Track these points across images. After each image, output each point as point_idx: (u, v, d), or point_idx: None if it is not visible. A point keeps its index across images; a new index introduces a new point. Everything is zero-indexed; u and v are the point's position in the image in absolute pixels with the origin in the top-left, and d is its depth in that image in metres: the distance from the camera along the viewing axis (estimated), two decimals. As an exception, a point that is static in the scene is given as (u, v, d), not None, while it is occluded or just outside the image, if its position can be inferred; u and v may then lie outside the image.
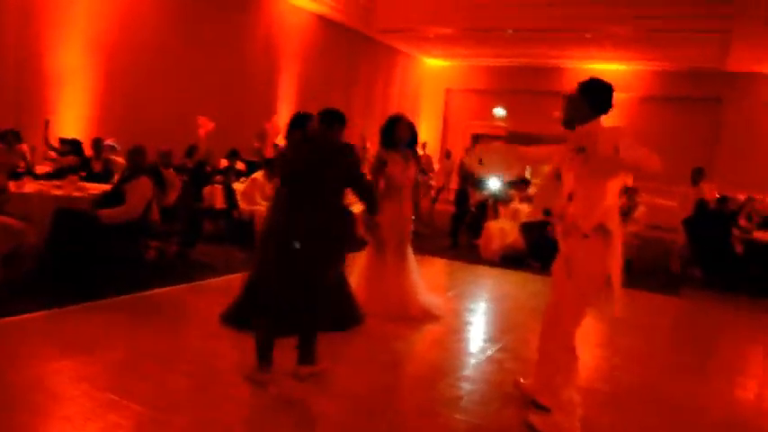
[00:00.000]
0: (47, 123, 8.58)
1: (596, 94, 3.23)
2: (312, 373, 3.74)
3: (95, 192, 6.11)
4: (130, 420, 3.07)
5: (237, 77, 12.14)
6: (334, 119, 3.85)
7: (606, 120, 3.27)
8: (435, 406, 3.58)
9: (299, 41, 13.75)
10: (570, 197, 3.25)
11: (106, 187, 6.14)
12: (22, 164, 7.72)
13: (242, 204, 7.98)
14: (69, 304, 4.74)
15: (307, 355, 3.75)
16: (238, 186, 8.31)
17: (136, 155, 5.82)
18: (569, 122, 3.29)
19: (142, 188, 5.57)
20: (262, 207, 7.38)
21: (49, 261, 5.25)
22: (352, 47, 15.43)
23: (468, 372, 4.21)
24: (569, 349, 3.26)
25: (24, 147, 8.12)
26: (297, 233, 3.60)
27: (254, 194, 7.98)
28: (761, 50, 12.92)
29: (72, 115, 9.40)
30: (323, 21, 14.27)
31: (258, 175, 8.10)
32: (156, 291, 5.47)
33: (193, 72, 11.09)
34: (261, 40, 12.77)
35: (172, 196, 6.79)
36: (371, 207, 4.09)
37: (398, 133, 5.13)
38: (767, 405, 4.30)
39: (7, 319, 4.33)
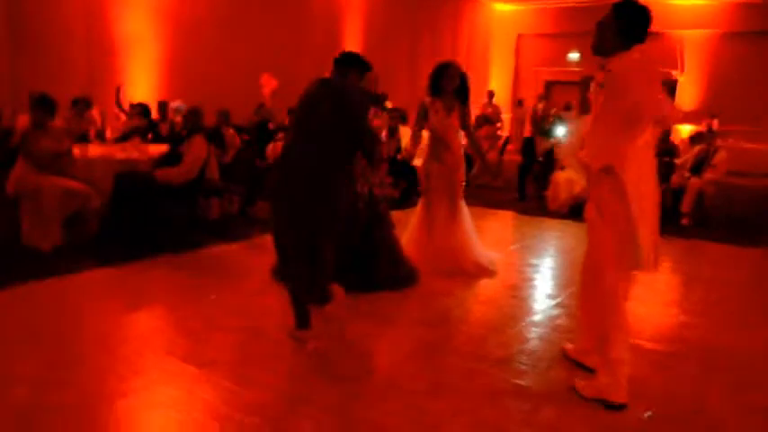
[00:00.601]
0: (118, 89, 8.83)
1: (629, 18, 2.90)
2: (296, 337, 3.59)
3: (156, 154, 6.26)
4: (171, 375, 3.15)
5: (300, 33, 12.06)
6: (345, 64, 3.56)
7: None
8: (481, 365, 3.46)
9: (361, -8, 13.49)
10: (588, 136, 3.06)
11: (165, 148, 6.27)
12: (93, 130, 8.01)
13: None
14: (128, 263, 4.92)
15: (298, 316, 3.60)
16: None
17: (192, 116, 5.90)
18: (597, 49, 3.00)
19: (197, 148, 5.65)
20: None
21: (111, 223, 5.45)
22: (416, -5, 14.99)
23: (519, 330, 4.06)
24: (612, 295, 3.00)
25: (95, 112, 8.41)
26: (285, 184, 3.38)
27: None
28: None
29: (141, 80, 9.65)
30: (385, -31, 13.91)
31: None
32: (215, 248, 5.61)
33: (256, 30, 11.08)
34: (322, -7, 12.61)
35: (231, 155, 6.89)
36: (371, 159, 3.64)
37: (444, 80, 4.90)
38: None
39: (69, 276, 4.55)
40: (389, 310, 4.32)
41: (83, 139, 7.01)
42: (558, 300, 4.67)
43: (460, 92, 4.93)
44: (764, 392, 3.33)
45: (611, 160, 2.91)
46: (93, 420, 2.73)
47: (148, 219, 5.45)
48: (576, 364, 3.44)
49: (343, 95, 3.40)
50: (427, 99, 4.94)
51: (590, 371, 3.25)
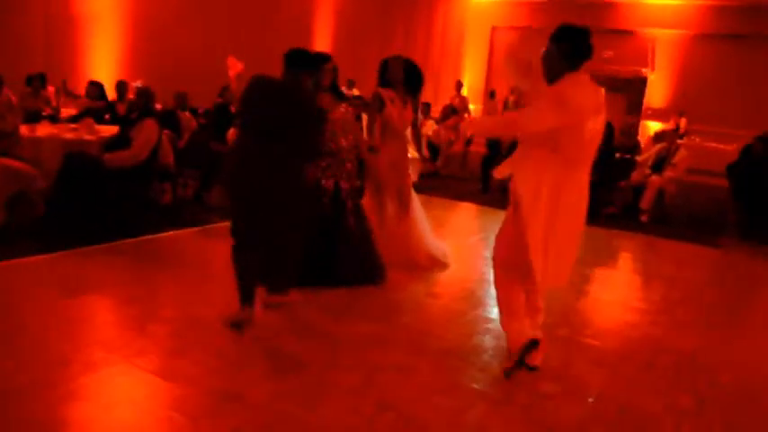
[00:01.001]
0: (64, 83, 8.45)
1: (572, 42, 2.96)
2: (235, 324, 3.56)
3: (108, 135, 6.06)
4: (95, 365, 3.02)
5: (270, 19, 11.85)
6: (296, 63, 3.53)
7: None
8: (421, 361, 3.38)
9: (333, -22, 13.28)
10: None
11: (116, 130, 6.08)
12: (47, 109, 7.76)
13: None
14: (75, 247, 4.76)
15: (245, 298, 3.60)
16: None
17: (142, 97, 5.70)
18: (549, 78, 3.03)
19: (147, 131, 5.47)
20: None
21: (57, 204, 5.27)
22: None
23: (465, 324, 4.00)
24: (497, 282, 3.39)
25: (50, 90, 8.16)
26: (240, 182, 3.49)
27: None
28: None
29: (101, 58, 9.39)
30: (359, -43, 13.72)
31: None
32: (165, 234, 5.46)
33: (224, 13, 10.86)
34: (294, -23, 12.39)
35: (185, 138, 6.72)
36: (309, 154, 3.77)
37: (389, 72, 4.80)
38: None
39: (9, 261, 4.37)
40: (338, 302, 4.20)
41: (35, 117, 6.78)
42: (508, 295, 4.62)
43: (410, 84, 4.84)
44: (700, 392, 3.33)
45: (513, 168, 3.19)
46: (4, 411, 2.60)
47: (97, 201, 5.28)
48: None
49: (294, 96, 3.47)
50: (380, 90, 4.83)
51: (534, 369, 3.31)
